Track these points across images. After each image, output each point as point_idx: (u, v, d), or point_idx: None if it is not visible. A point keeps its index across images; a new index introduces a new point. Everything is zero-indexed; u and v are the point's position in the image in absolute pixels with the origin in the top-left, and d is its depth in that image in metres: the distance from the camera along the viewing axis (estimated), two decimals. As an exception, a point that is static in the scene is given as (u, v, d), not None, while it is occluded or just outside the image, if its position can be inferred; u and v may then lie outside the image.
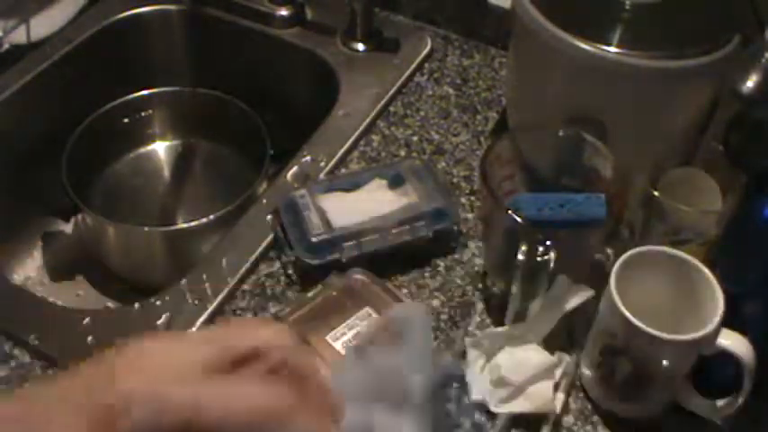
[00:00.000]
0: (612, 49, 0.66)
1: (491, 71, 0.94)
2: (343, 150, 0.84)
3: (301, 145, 0.84)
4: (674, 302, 0.60)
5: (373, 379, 0.48)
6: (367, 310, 0.64)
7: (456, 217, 0.75)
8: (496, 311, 0.70)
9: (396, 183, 0.76)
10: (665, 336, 0.55)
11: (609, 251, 0.73)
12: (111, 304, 0.90)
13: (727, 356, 0.57)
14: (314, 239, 0.70)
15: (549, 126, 0.68)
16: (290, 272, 0.73)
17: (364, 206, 0.73)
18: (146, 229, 0.91)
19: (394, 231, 0.71)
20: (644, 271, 0.60)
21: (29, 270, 0.94)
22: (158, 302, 0.70)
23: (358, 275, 0.67)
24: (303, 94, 1.01)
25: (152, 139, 1.05)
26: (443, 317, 0.70)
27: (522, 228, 0.61)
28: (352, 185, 0.76)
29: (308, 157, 0.83)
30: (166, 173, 1.05)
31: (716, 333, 0.56)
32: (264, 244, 0.74)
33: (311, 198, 0.73)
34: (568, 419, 0.64)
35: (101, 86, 0.99)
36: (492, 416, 0.63)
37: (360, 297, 0.65)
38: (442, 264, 0.74)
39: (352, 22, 0.96)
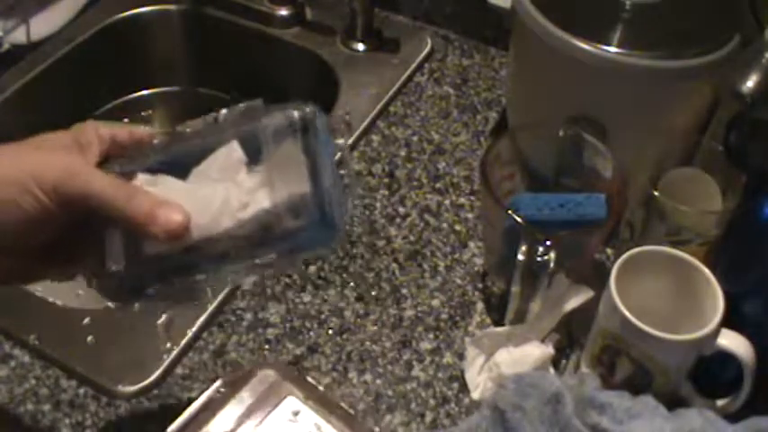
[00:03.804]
0: (612, 49, 0.65)
1: (491, 71, 0.94)
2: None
3: (301, 145, 0.84)
4: (674, 302, 0.60)
5: None
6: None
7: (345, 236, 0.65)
8: (496, 311, 0.70)
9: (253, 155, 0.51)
10: (665, 336, 0.55)
11: (609, 251, 0.73)
12: (111, 304, 0.90)
13: (727, 356, 0.57)
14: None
15: (549, 126, 0.68)
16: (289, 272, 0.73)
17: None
18: (146, 229, 0.91)
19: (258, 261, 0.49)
20: (644, 271, 0.60)
21: (29, 270, 0.94)
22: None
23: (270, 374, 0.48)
24: (303, 94, 1.00)
25: (152, 139, 1.05)
26: (443, 317, 0.70)
27: (522, 228, 0.61)
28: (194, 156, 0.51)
29: (308, 157, 0.82)
30: (166, 173, 1.04)
31: (716, 333, 0.56)
32: (264, 244, 0.74)
33: None
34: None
35: (101, 86, 1.00)
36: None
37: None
38: (441, 264, 0.74)
39: (352, 22, 0.96)
